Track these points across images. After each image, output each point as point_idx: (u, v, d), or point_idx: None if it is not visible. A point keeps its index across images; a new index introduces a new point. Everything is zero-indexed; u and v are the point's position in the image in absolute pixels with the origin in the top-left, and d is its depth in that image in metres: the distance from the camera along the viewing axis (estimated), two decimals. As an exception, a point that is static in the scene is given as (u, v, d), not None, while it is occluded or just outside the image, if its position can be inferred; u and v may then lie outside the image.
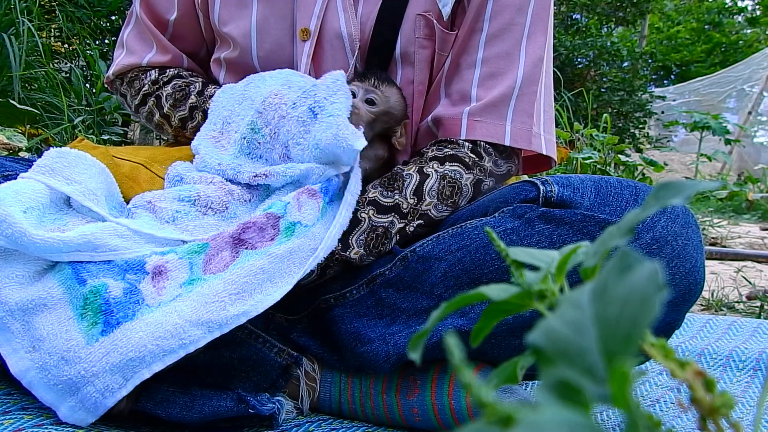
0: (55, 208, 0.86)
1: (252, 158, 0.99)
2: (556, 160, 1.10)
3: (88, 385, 0.75)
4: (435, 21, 1.04)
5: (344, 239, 0.93)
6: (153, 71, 1.16)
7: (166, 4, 1.16)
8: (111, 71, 1.20)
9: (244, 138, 0.99)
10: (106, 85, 1.26)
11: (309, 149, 0.93)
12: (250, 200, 0.95)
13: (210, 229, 0.89)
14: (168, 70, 1.16)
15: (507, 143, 1.03)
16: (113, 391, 0.75)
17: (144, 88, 1.16)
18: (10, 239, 0.77)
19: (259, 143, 0.98)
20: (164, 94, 1.14)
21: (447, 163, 0.99)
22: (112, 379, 0.75)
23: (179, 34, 1.18)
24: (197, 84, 1.14)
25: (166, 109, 1.14)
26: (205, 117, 1.08)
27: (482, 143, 1.03)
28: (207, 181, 0.95)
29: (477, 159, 1.02)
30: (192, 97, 1.12)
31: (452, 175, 0.99)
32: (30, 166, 0.91)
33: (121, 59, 1.18)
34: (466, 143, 1.02)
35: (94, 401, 0.75)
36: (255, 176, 0.94)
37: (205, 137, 1.03)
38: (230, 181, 0.96)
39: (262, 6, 1.08)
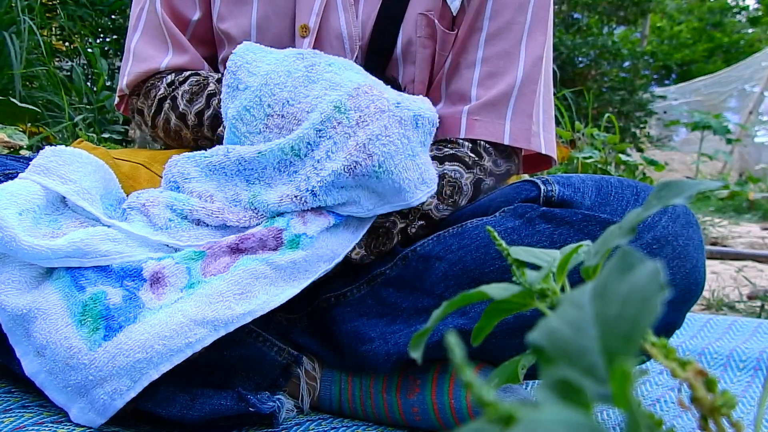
0: (51, 208, 0.85)
1: (305, 157, 0.88)
2: (555, 159, 1.10)
3: (96, 388, 0.75)
4: (437, 20, 1.04)
5: None
6: (169, 75, 1.09)
7: (189, 2, 1.10)
8: (124, 83, 1.10)
9: (323, 114, 0.87)
10: (115, 106, 1.15)
11: (406, 162, 0.87)
12: (247, 226, 0.89)
13: (204, 237, 0.87)
14: (184, 72, 1.09)
15: (506, 142, 1.02)
16: (122, 393, 0.75)
17: (159, 93, 1.08)
18: (1, 243, 0.76)
19: (338, 124, 0.87)
20: (180, 93, 1.06)
21: (447, 162, 0.99)
22: (120, 382, 0.75)
23: (199, 36, 1.12)
24: (216, 75, 1.07)
25: (182, 107, 1.05)
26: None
27: (482, 143, 1.03)
28: (203, 197, 0.90)
29: (477, 158, 1.02)
30: (211, 85, 1.05)
31: (452, 174, 0.98)
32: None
33: (132, 68, 1.09)
34: (466, 143, 1.02)
35: (103, 404, 0.75)
36: (292, 197, 0.88)
37: (260, 128, 0.92)
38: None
39: (263, 4, 1.07)
